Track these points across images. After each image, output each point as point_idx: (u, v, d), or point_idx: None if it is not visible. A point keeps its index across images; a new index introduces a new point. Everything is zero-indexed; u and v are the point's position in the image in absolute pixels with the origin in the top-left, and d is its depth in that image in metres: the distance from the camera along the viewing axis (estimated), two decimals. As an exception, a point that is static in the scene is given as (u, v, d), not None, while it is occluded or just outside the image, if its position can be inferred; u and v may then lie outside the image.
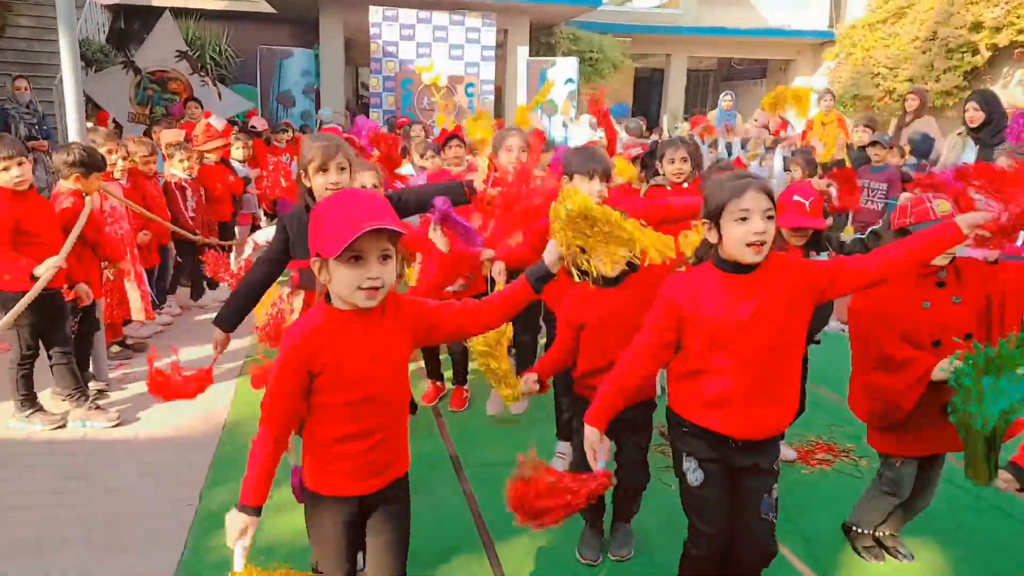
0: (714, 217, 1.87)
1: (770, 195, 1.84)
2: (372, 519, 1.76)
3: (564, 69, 13.01)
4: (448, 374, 4.15)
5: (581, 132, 8.94)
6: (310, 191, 2.52)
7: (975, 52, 10.18)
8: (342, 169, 2.50)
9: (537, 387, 2.45)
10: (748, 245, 1.81)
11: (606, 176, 2.79)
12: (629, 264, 2.31)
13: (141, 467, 3.23)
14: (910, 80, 10.50)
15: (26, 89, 7.94)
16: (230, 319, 2.61)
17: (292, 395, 1.61)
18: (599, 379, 2.33)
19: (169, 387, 2.64)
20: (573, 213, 1.66)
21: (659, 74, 17.59)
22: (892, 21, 11.63)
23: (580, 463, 2.59)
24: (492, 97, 12.86)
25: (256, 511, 1.66)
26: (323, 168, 2.47)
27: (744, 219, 1.81)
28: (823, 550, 2.69)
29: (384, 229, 1.50)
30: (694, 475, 2.00)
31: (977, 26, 10.11)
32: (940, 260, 2.20)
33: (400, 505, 1.80)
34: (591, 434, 1.93)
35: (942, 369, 2.06)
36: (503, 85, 13.90)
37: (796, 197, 2.84)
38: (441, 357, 4.19)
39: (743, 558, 2.04)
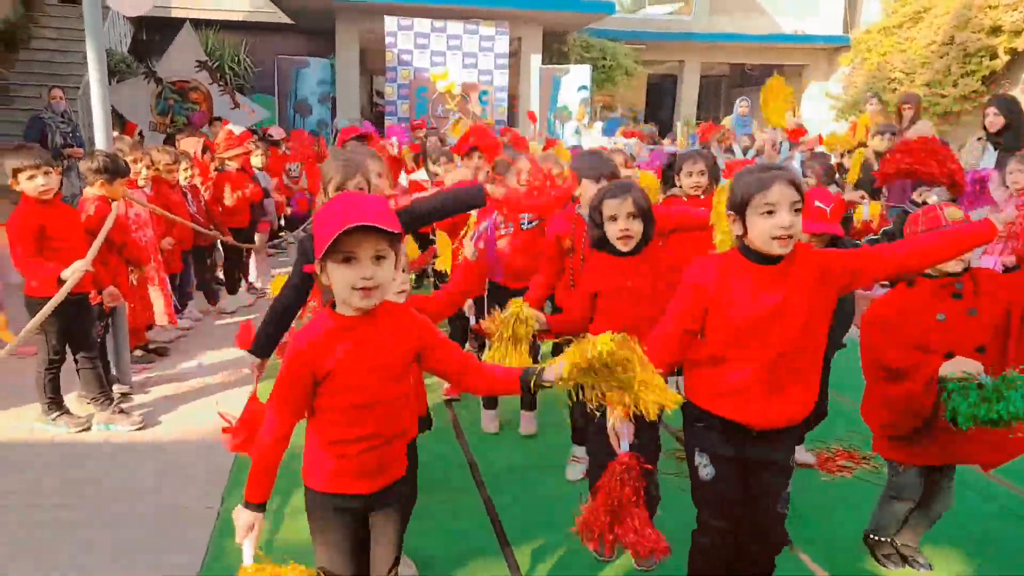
0: (739, 210, 1.86)
1: (798, 187, 1.83)
2: (374, 518, 1.80)
3: (577, 76, 13.06)
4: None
5: (594, 138, 8.95)
6: None
7: (993, 56, 10.09)
8: (360, 190, 2.54)
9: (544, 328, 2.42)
10: (775, 238, 1.80)
11: (614, 179, 2.84)
12: (645, 236, 2.36)
13: (163, 470, 3.28)
14: (927, 85, 10.42)
15: (61, 99, 8.17)
16: (265, 347, 2.63)
17: (295, 397, 1.64)
18: None
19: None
20: (596, 362, 1.59)
21: (672, 80, 17.59)
22: (908, 25, 11.55)
23: (597, 464, 2.61)
24: (506, 104, 12.94)
25: (261, 507, 1.69)
26: (341, 188, 2.52)
27: (770, 212, 1.80)
28: (843, 557, 2.67)
29: (376, 229, 1.50)
30: (705, 471, 2.01)
31: (995, 30, 10.03)
32: (953, 267, 2.18)
33: (397, 505, 1.82)
34: (616, 418, 1.92)
35: (951, 373, 2.03)
36: (516, 93, 13.97)
37: (817, 203, 2.84)
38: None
39: (755, 548, 2.07)
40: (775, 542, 2.09)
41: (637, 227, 2.36)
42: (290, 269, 2.62)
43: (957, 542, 2.77)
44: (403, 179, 5.99)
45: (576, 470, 3.20)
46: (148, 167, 4.82)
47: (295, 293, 2.65)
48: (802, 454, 3.33)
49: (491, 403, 3.77)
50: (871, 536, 2.66)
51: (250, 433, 2.22)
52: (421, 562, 2.53)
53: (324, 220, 1.57)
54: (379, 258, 1.56)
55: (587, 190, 2.85)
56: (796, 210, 1.81)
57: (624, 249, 2.38)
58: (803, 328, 1.86)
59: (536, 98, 13.35)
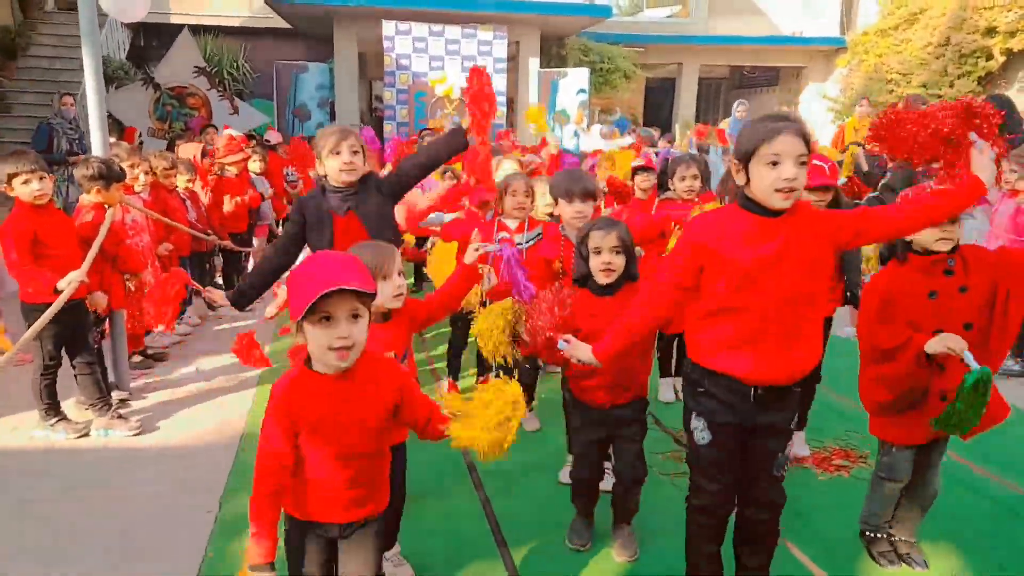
0: (744, 159, 1.84)
1: (806, 139, 1.79)
2: (344, 548, 1.81)
3: (575, 80, 13.08)
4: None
5: (592, 142, 8.97)
6: (325, 177, 2.60)
7: (989, 57, 10.12)
8: (355, 152, 2.57)
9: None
10: (777, 191, 1.78)
11: (587, 197, 2.90)
12: (626, 272, 2.39)
13: (161, 475, 3.28)
14: (923, 86, 10.44)
15: (71, 105, 8.24)
16: (245, 296, 2.73)
17: (280, 451, 1.65)
18: (594, 381, 2.38)
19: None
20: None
21: (671, 83, 17.61)
22: (904, 27, 11.58)
23: (578, 469, 2.63)
24: (504, 108, 12.95)
25: (271, 567, 1.66)
26: (336, 151, 2.54)
27: (775, 163, 1.78)
28: (840, 556, 2.67)
29: (351, 290, 1.52)
30: (701, 435, 2.01)
31: (991, 31, 10.05)
32: (942, 247, 2.20)
33: (372, 536, 1.82)
34: (586, 356, 2.04)
35: (942, 341, 2.08)
36: (515, 96, 13.99)
37: (815, 161, 2.84)
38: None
39: (753, 511, 2.08)
40: (772, 503, 2.07)
41: (619, 261, 2.37)
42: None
43: (953, 540, 2.77)
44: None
45: (567, 473, 3.21)
46: (146, 173, 4.83)
47: (284, 250, 2.71)
48: (800, 446, 3.34)
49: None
50: (866, 531, 2.67)
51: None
52: (418, 563, 2.53)
53: (299, 281, 1.58)
54: (355, 316, 1.58)
55: (562, 209, 2.95)
56: (801, 163, 1.78)
57: (605, 281, 2.38)
58: (802, 278, 1.85)
59: (534, 102, 13.36)
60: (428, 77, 12.03)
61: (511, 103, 13.86)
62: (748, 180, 1.85)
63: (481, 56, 12.51)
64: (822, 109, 13.80)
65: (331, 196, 2.63)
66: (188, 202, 5.58)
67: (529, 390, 3.80)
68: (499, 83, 12.69)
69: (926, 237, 2.23)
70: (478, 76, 2.86)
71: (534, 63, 13.50)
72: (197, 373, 4.60)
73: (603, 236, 2.36)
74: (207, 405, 4.10)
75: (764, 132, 1.79)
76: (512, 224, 3.61)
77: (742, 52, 16.30)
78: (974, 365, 2.01)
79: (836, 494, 3.10)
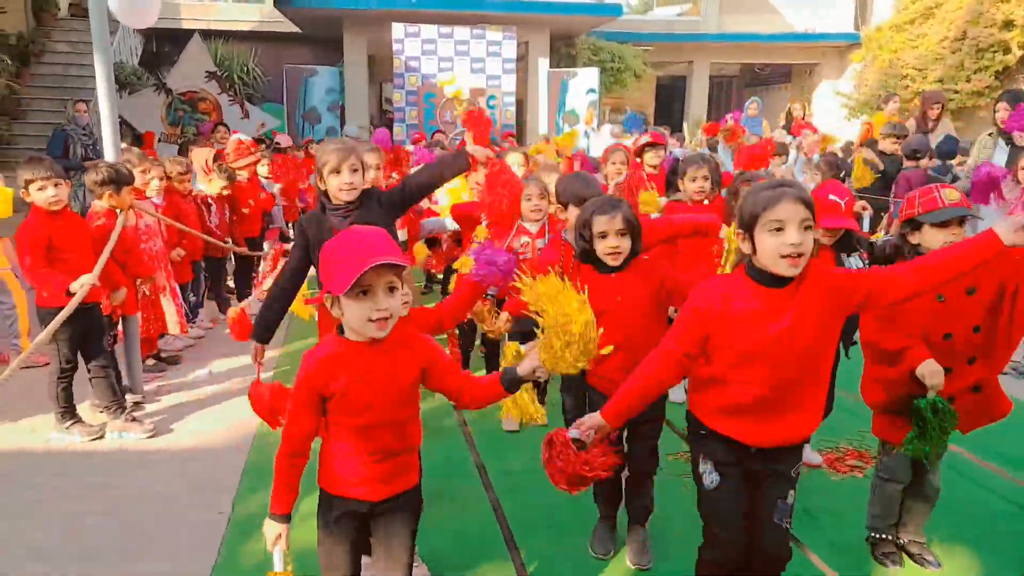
0: (748, 227, 1.81)
1: (808, 205, 1.77)
2: (378, 526, 1.85)
3: (585, 79, 13.05)
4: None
5: (603, 142, 8.94)
6: (325, 193, 2.61)
7: (1007, 51, 9.98)
8: (355, 171, 2.58)
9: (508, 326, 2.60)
10: (783, 257, 1.75)
11: None
12: (633, 251, 2.37)
13: (175, 476, 3.31)
14: (939, 81, 10.32)
15: (85, 112, 8.34)
16: (265, 331, 2.71)
17: (306, 416, 1.73)
18: (606, 366, 2.35)
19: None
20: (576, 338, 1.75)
21: (681, 82, 17.53)
22: (920, 22, 11.44)
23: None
24: (514, 108, 12.96)
25: (285, 518, 1.79)
26: (336, 170, 2.56)
27: (779, 230, 1.75)
28: (852, 558, 2.65)
29: (390, 264, 1.60)
30: (710, 477, 1.99)
31: (1008, 24, 9.91)
32: None
33: (409, 513, 1.86)
34: (598, 422, 1.94)
35: (927, 372, 2.12)
36: (524, 97, 13.98)
37: (832, 196, 2.77)
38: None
39: (759, 563, 2.04)
40: (777, 555, 2.02)
41: (626, 244, 2.35)
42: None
43: (964, 538, 2.74)
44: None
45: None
46: (161, 178, 4.88)
47: (292, 276, 2.71)
48: (809, 454, 3.31)
49: None
50: (871, 534, 2.65)
51: (273, 404, 2.49)
52: (429, 563, 2.53)
53: (337, 255, 1.64)
54: (391, 289, 1.65)
55: (572, 215, 2.85)
56: (806, 227, 1.76)
57: (613, 264, 2.37)
58: (810, 352, 1.82)
59: (544, 102, 13.36)
60: (437, 79, 12.07)
61: (520, 104, 13.86)
62: (754, 249, 1.82)
63: (490, 57, 12.52)
64: (836, 106, 13.67)
65: (331, 215, 2.63)
66: (214, 206, 5.63)
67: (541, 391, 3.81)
68: (508, 84, 12.71)
69: (933, 241, 2.22)
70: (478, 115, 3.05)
71: (543, 63, 13.49)
72: (210, 376, 4.64)
73: (608, 220, 2.32)
74: (220, 407, 4.13)
75: (766, 199, 1.77)
76: (533, 228, 3.61)
77: (754, 49, 16.21)
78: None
79: (849, 495, 3.07)
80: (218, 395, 4.31)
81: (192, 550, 2.71)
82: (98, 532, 2.85)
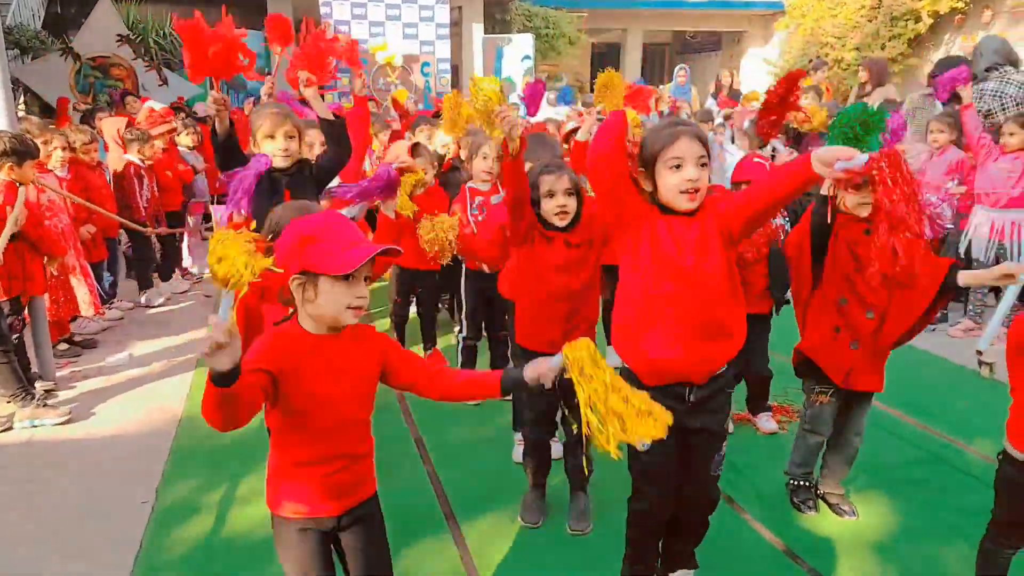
0: (649, 165, 1.88)
1: (704, 142, 1.86)
2: (348, 541, 1.73)
3: (520, 46, 12.89)
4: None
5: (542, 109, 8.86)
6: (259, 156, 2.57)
7: (917, 19, 10.35)
8: (290, 137, 2.55)
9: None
10: (682, 192, 1.84)
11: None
12: (577, 214, 2.41)
13: (94, 466, 3.15)
14: (857, 49, 10.63)
15: None
16: None
17: (254, 375, 1.46)
18: (545, 313, 2.42)
19: None
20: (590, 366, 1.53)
21: (617, 49, 17.53)
22: (839, -9, 11.74)
23: (531, 432, 2.63)
24: (449, 75, 12.69)
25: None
26: (271, 135, 2.53)
27: (678, 167, 1.83)
28: (778, 510, 2.76)
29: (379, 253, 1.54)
30: (642, 444, 2.01)
31: (919, -7, 10.29)
32: (862, 212, 2.37)
33: (376, 528, 1.78)
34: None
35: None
36: (460, 63, 13.72)
37: (756, 159, 2.99)
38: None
39: (691, 510, 2.13)
40: (709, 502, 2.15)
41: (573, 203, 2.39)
42: None
43: (880, 487, 2.90)
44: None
45: (519, 452, 3.21)
46: (63, 148, 4.55)
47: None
48: (765, 422, 3.43)
49: None
50: (791, 480, 2.79)
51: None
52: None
53: (329, 236, 1.53)
54: (367, 279, 1.59)
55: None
56: (702, 164, 1.85)
57: (560, 224, 2.40)
58: (718, 270, 1.88)
59: (480, 68, 13.12)
60: (369, 44, 11.67)
61: (456, 70, 13.58)
62: (655, 186, 1.88)
63: (423, 22, 12.18)
64: (763, 73, 13.96)
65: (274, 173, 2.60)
66: (145, 179, 5.32)
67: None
68: (443, 50, 12.41)
69: (849, 203, 2.39)
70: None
71: (478, 29, 13.23)
72: (130, 359, 4.42)
73: (555, 179, 2.36)
74: (141, 391, 3.94)
75: (665, 137, 1.85)
76: (485, 187, 3.59)
77: (684, 17, 16.30)
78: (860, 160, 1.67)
79: (775, 449, 3.20)
80: (139, 379, 4.12)
81: (113, 543, 2.58)
82: (12, 528, 2.68)
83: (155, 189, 5.52)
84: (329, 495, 1.64)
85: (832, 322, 2.50)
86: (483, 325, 3.80)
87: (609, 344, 4.03)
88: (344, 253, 1.50)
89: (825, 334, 2.52)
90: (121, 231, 5.40)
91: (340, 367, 1.60)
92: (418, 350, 4.26)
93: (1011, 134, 4.47)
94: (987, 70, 5.28)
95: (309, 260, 1.51)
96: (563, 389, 2.45)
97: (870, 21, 10.70)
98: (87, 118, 7.28)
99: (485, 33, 13.29)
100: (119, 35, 10.52)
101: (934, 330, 4.68)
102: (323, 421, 1.59)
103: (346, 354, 1.61)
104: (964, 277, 2.25)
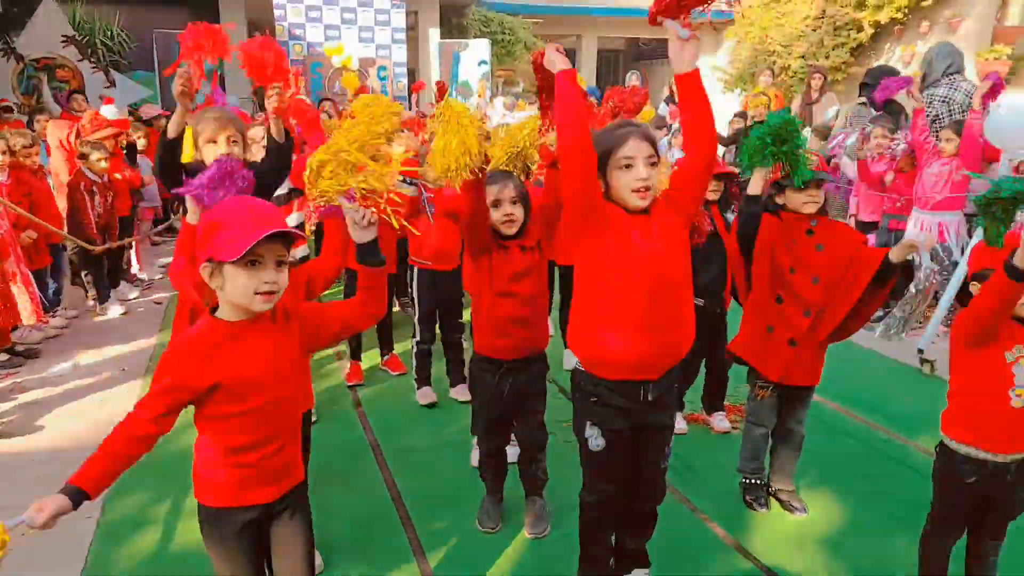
0: (600, 166, 1.91)
1: (653, 142, 1.91)
2: (276, 530, 1.73)
3: (477, 51, 12.92)
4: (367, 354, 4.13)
5: (495, 114, 8.90)
6: (201, 163, 2.46)
7: (860, 29, 10.72)
8: (234, 142, 2.45)
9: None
10: (634, 191, 1.88)
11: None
12: (524, 222, 2.42)
13: (35, 481, 3.01)
14: (802, 57, 10.96)
15: None
16: None
17: (169, 405, 1.54)
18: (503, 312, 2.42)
19: None
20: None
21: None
22: (785, 0, 12.09)
23: (486, 440, 2.64)
24: (405, 80, 12.64)
25: (81, 498, 1.57)
26: (213, 140, 2.42)
27: (628, 167, 1.88)
28: (730, 507, 2.83)
29: (281, 235, 1.52)
30: (595, 442, 2.05)
31: (861, 4, 10.64)
32: (808, 209, 2.49)
33: (302, 513, 1.77)
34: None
35: None
36: (416, 68, 13.68)
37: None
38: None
39: (642, 501, 2.19)
40: (660, 492, 2.21)
41: (519, 212, 2.40)
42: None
43: (828, 483, 2.99)
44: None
45: (476, 456, 3.21)
46: (2, 153, 4.38)
47: None
48: (719, 422, 3.51)
49: (424, 381, 3.80)
50: (743, 479, 2.86)
51: None
52: (321, 545, 2.46)
53: (228, 220, 1.52)
54: (280, 263, 1.56)
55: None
56: (652, 163, 1.89)
57: (509, 232, 2.40)
58: (676, 264, 1.92)
59: (436, 73, 13.11)
60: (324, 47, 11.54)
61: (412, 75, 13.53)
62: (607, 186, 1.92)
63: (379, 26, 12.12)
64: (713, 79, 14.28)
65: None
66: (98, 195, 5.10)
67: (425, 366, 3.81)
68: (399, 54, 12.35)
69: (794, 201, 2.50)
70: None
71: (434, 34, 13.23)
72: (75, 368, 4.27)
73: (500, 189, 2.36)
74: (86, 401, 3.81)
75: (614, 138, 1.89)
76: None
77: (637, 24, 16.56)
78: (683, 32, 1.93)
79: (728, 449, 3.26)
80: (83, 389, 3.98)
81: (59, 556, 2.49)
82: (-57, 548, 2.56)
83: (108, 203, 5.30)
84: (266, 479, 1.65)
85: (765, 321, 2.59)
86: (436, 328, 3.80)
87: (567, 348, 4.11)
88: (242, 238, 1.48)
89: (756, 333, 2.62)
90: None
91: (261, 352, 1.59)
92: (375, 355, 4.24)
93: (947, 140, 4.67)
94: (946, 73, 5.48)
95: (213, 247, 1.52)
96: (514, 396, 2.49)
97: (815, 31, 11.05)
98: (30, 121, 7.02)
99: (441, 38, 13.29)
100: (64, 36, 10.19)
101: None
102: (255, 403, 1.58)
103: (269, 339, 1.61)
104: (892, 253, 2.36)
